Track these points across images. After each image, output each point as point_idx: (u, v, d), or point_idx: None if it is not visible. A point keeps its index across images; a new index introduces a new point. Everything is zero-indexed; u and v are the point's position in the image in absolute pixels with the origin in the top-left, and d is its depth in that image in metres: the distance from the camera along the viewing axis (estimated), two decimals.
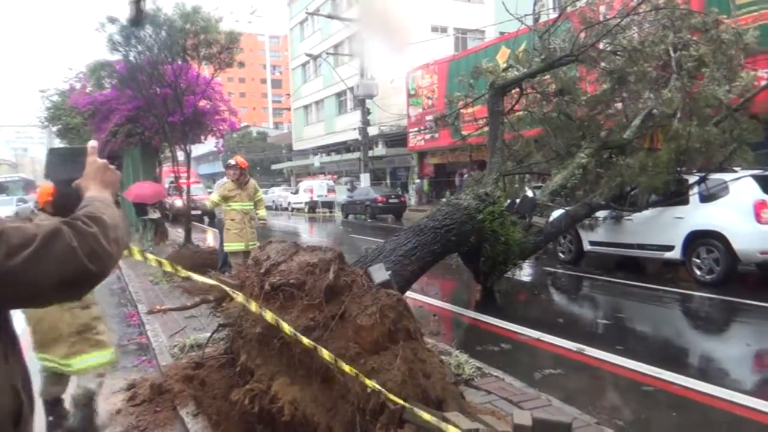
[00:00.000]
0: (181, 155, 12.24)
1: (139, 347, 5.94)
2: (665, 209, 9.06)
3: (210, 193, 22.00)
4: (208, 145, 23.84)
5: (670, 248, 8.86)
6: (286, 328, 3.00)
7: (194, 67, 11.79)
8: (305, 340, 2.98)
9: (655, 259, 9.56)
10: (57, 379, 3.89)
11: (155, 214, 12.44)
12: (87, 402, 3.71)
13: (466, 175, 25.01)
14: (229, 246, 8.01)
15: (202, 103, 13.88)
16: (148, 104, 11.68)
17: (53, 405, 3.89)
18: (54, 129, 24.04)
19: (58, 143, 35.53)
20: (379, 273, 3.64)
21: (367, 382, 2.97)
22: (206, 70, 12.41)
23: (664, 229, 8.82)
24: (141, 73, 10.73)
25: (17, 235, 1.09)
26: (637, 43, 8.57)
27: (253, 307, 3.01)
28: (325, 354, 2.97)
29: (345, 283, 3.55)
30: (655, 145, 9.74)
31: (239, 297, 3.14)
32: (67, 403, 3.88)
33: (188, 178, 11.60)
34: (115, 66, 11.49)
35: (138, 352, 5.78)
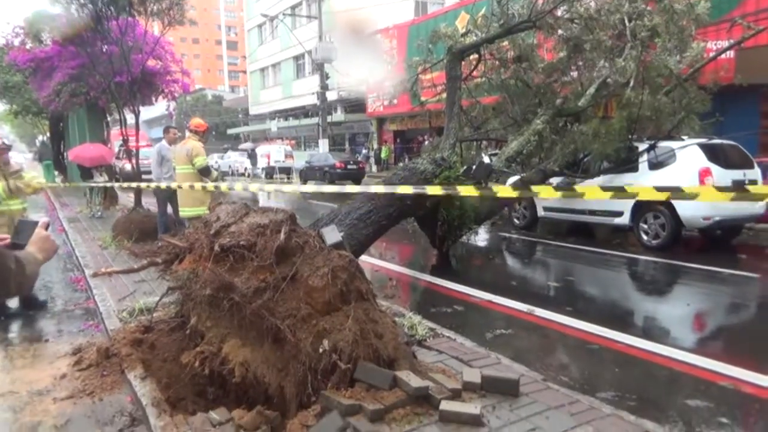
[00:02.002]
0: (131, 117, 11.74)
1: (86, 312, 5.76)
2: (616, 176, 9.29)
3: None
4: (160, 107, 22.99)
5: (619, 214, 9.13)
6: None
7: (142, 24, 11.22)
8: None
9: (605, 224, 9.85)
10: None
11: (102, 178, 11.96)
12: None
13: (427, 142, 25.04)
14: (192, 211, 7.77)
15: (152, 62, 13.28)
16: (93, 62, 11.08)
17: None
18: None
19: None
20: (332, 234, 3.60)
21: None
22: (156, 29, 11.85)
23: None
24: (84, 28, 10.15)
25: None
26: (593, 12, 8.60)
27: None
28: None
29: (297, 245, 3.50)
30: (609, 113, 9.92)
31: None
32: None
33: (137, 140, 11.15)
34: (57, 19, 10.81)
35: (85, 317, 5.61)
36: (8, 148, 6.13)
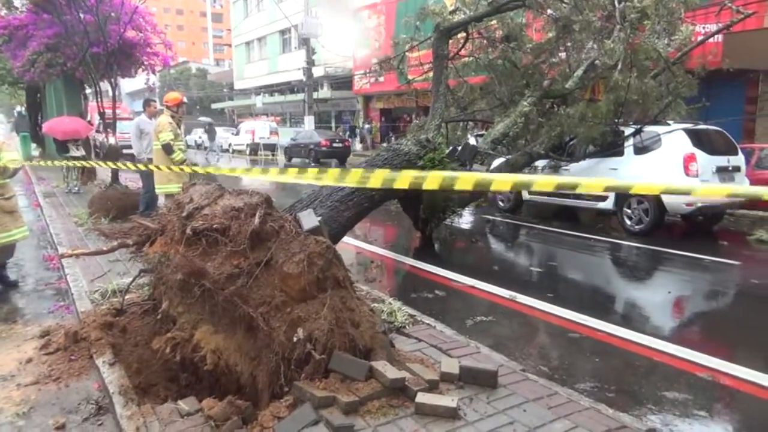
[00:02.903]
0: (111, 90, 11.40)
1: (57, 292, 5.60)
2: (601, 160, 9.24)
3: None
4: (143, 80, 22.47)
5: (604, 199, 9.10)
6: None
7: None
8: None
9: (589, 209, 9.83)
10: None
11: (78, 152, 11.64)
12: None
13: (415, 122, 24.81)
14: (167, 188, 7.57)
15: (131, 33, 12.88)
16: (68, 32, 10.69)
17: None
18: None
19: None
20: (309, 219, 3.48)
21: None
22: (141, 1, 11.45)
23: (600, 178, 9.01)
24: None
25: None
26: None
27: None
28: None
29: (272, 229, 3.37)
30: (596, 96, 9.83)
31: None
32: None
33: (114, 113, 10.83)
34: None
35: (56, 297, 5.45)
36: None
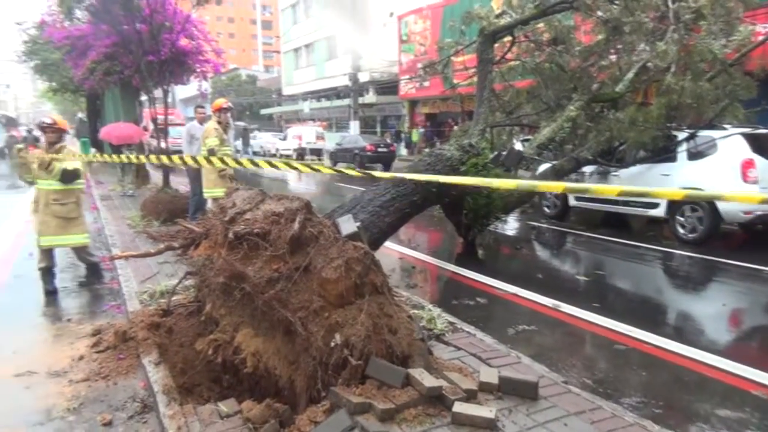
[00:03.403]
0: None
1: (109, 292, 5.83)
2: (652, 166, 8.93)
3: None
4: (196, 87, 23.16)
5: (655, 206, 8.79)
6: None
7: (172, 2, 11.19)
8: None
9: (640, 216, 9.52)
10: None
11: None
12: None
13: (456, 127, 24.65)
14: (213, 191, 7.80)
15: (184, 42, 13.28)
16: (125, 41, 11.14)
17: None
18: (32, 64, 23.17)
19: (39, 81, 34.48)
20: (347, 225, 3.49)
21: None
22: (194, 11, 11.80)
23: (650, 186, 8.70)
24: (115, 5, 10.18)
25: None
26: None
27: None
28: None
29: (311, 234, 3.40)
30: (647, 100, 9.52)
31: None
32: None
33: (166, 120, 11.22)
34: None
35: (108, 297, 5.68)
36: (51, 127, 5.89)
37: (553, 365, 3.81)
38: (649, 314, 5.53)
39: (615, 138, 8.65)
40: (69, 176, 5.75)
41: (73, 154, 5.97)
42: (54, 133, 5.88)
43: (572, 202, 10.32)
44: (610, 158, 9.32)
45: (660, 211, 8.76)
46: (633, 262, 7.71)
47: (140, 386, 3.57)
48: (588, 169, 9.50)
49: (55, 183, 5.79)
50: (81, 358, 4.06)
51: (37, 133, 37.11)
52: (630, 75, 8.88)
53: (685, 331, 5.11)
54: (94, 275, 6.24)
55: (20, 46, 22.46)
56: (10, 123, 40.49)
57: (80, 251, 6.23)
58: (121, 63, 12.95)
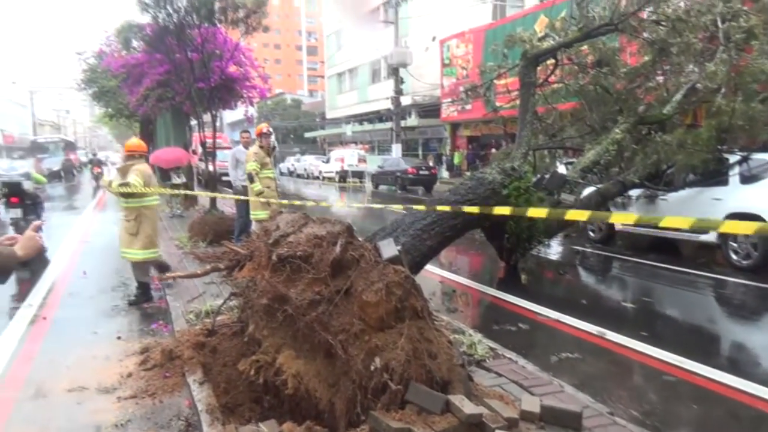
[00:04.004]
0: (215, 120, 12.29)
1: (157, 311, 6.00)
2: (703, 190, 8.65)
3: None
4: (243, 111, 23.91)
5: (706, 231, 8.48)
6: None
7: (222, 32, 11.66)
8: None
9: (690, 241, 9.19)
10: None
11: (179, 179, 12.54)
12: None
13: (494, 150, 24.49)
14: (258, 214, 8.01)
15: (232, 68, 13.79)
16: (177, 69, 11.64)
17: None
18: (90, 91, 24.40)
19: (96, 107, 36.25)
20: (388, 248, 3.51)
21: None
22: (243, 39, 12.26)
23: (701, 210, 8.41)
24: (169, 36, 10.68)
25: None
26: (682, 13, 8.07)
27: None
28: None
29: (352, 258, 3.44)
30: (697, 122, 9.27)
31: None
32: None
33: (214, 144, 11.61)
34: (145, 28, 11.46)
35: (156, 316, 5.84)
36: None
37: (598, 395, 3.70)
38: (701, 344, 5.31)
39: (663, 161, 8.44)
40: (124, 187, 6.17)
41: (136, 172, 6.27)
42: (126, 153, 6.68)
43: (618, 226, 10.06)
44: (658, 182, 9.08)
45: (711, 236, 8.45)
46: (683, 290, 7.45)
47: (185, 405, 3.65)
48: (635, 192, 9.28)
49: (122, 200, 6.34)
50: (129, 375, 4.18)
51: (100, 154, 40.57)
52: (678, 96, 8.68)
53: (740, 363, 4.88)
54: (143, 295, 6.38)
55: (80, 74, 23.75)
56: (69, 147, 42.58)
57: (136, 267, 6.45)
58: (173, 90, 13.54)
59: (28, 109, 65.65)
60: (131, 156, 6.54)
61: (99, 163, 29.46)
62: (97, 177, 26.35)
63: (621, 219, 7.90)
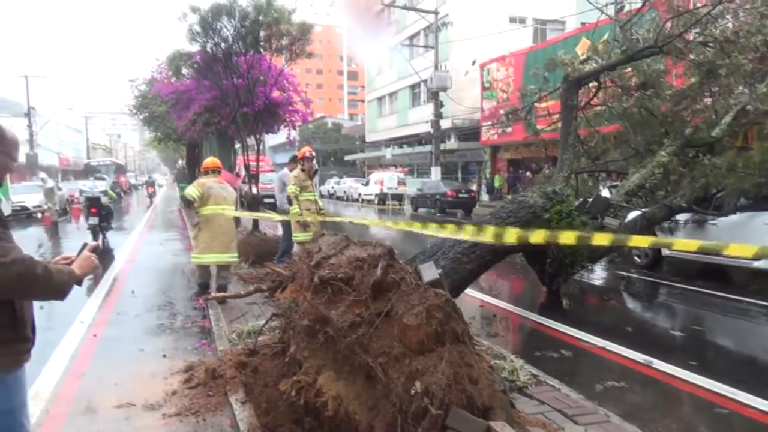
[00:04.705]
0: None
1: (201, 330, 6.13)
2: (755, 214, 8.35)
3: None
4: (285, 135, 24.45)
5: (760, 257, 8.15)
6: None
7: (267, 59, 12.02)
8: None
9: (742, 267, 8.84)
10: None
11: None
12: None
13: (528, 173, 24.21)
14: (299, 236, 8.15)
15: (276, 93, 14.16)
16: (223, 95, 12.04)
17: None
18: (141, 117, 25.41)
19: (146, 131, 37.76)
20: (429, 271, 3.52)
21: None
22: (287, 65, 12.63)
23: (753, 235, 8.11)
24: (217, 63, 11.08)
25: None
26: (730, 34, 7.89)
27: None
28: None
29: (393, 280, 3.46)
30: (748, 144, 8.99)
31: None
32: None
33: (258, 166, 11.89)
34: (194, 56, 11.94)
35: (200, 335, 5.97)
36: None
37: (646, 426, 3.58)
38: (755, 375, 5.08)
39: (712, 185, 8.19)
40: (184, 200, 7.14)
41: (195, 183, 7.34)
42: (202, 170, 7.62)
43: (665, 251, 9.78)
44: (708, 205, 8.81)
45: (766, 263, 8.11)
46: (735, 318, 7.15)
47: (227, 424, 3.71)
48: (682, 217, 9.02)
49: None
50: (174, 393, 4.28)
51: (154, 176, 45.34)
52: (727, 119, 8.45)
53: None
54: (202, 293, 7.22)
55: (131, 100, 24.81)
56: (119, 170, 44.35)
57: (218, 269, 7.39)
58: (219, 114, 13.99)
59: (82, 133, 68.87)
60: (205, 172, 7.47)
61: (152, 184, 35.26)
62: (150, 195, 32.35)
63: (684, 246, 7.64)
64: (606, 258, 9.35)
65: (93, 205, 12.55)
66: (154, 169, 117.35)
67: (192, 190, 7.06)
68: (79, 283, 2.24)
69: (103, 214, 12.57)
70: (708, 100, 9.05)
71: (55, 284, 2.05)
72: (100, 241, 12.12)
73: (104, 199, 13.11)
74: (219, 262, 7.27)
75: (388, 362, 3.22)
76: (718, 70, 8.08)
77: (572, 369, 4.92)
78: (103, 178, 25.65)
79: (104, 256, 10.68)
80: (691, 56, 8.42)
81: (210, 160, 7.70)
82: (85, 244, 2.29)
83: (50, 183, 18.40)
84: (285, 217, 8.37)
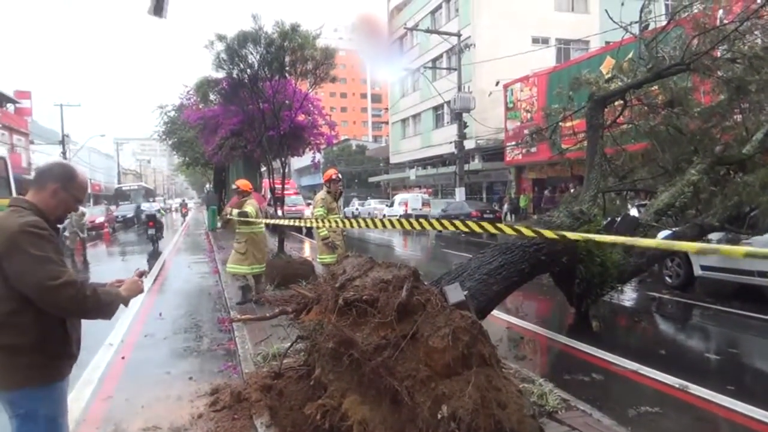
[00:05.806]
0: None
1: (226, 353, 6.15)
2: None
3: (309, 204, 22.71)
4: (310, 158, 24.69)
5: None
6: None
7: (292, 83, 12.22)
8: None
9: None
10: None
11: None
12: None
13: (547, 192, 23.96)
14: (325, 258, 8.16)
15: (302, 117, 14.36)
16: (249, 119, 12.25)
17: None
18: (170, 142, 25.97)
19: (174, 156, 38.51)
20: (455, 293, 3.48)
21: None
22: (309, 87, 12.83)
23: None
24: (243, 89, 11.30)
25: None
26: (759, 50, 7.77)
27: None
28: None
29: (418, 302, 3.43)
30: None
31: None
32: None
33: (283, 189, 12.01)
34: (221, 82, 12.21)
35: (225, 357, 5.98)
36: (237, 190, 8.62)
37: None
38: None
39: (745, 203, 7.99)
40: (242, 215, 7.93)
41: (251, 205, 8.15)
42: (239, 193, 8.39)
43: (698, 272, 9.51)
44: (741, 224, 8.58)
45: None
46: None
47: None
48: (715, 236, 8.79)
49: (237, 227, 8.18)
50: (200, 416, 4.28)
51: (178, 200, 55.96)
52: (759, 135, 8.27)
53: None
54: (243, 296, 8.19)
55: (161, 126, 25.40)
56: (148, 194, 45.28)
57: (237, 278, 8.33)
58: (246, 138, 14.23)
59: (114, 159, 70.68)
60: (244, 192, 8.29)
61: (186, 205, 48.87)
62: (184, 215, 42.58)
63: (730, 251, 7.42)
64: (636, 278, 9.14)
65: (151, 219, 18.20)
66: (182, 192, 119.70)
67: (252, 211, 8.01)
68: (126, 304, 2.48)
69: (157, 227, 18.00)
70: (738, 117, 8.88)
71: (102, 305, 2.28)
72: (153, 247, 17.53)
73: (158, 215, 19.00)
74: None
75: (414, 386, 3.17)
76: (748, 86, 7.94)
77: (604, 393, 4.79)
78: (154, 201, 30.49)
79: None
80: (719, 73, 8.29)
81: (245, 182, 8.54)
82: (138, 270, 2.64)
83: (80, 209, 18.83)
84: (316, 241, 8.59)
